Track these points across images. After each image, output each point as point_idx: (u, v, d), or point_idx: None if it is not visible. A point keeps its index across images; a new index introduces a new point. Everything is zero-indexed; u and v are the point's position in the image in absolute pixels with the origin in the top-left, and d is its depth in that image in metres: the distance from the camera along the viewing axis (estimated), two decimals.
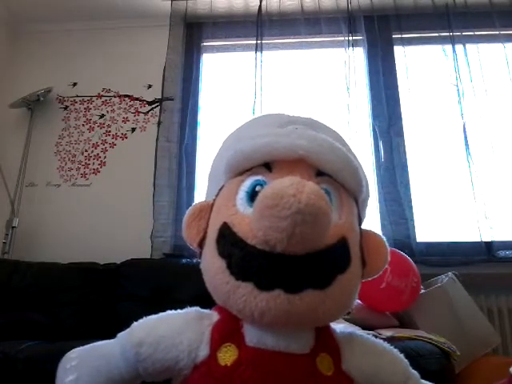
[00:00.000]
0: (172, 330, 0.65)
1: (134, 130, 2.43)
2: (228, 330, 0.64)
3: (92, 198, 2.31)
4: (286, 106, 2.33)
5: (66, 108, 2.51)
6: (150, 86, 2.48)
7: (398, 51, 2.39)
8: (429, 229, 2.11)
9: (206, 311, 0.70)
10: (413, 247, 2.00)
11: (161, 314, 0.69)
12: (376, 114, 2.27)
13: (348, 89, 2.28)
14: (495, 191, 2.08)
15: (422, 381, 0.72)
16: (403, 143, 2.23)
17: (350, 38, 2.37)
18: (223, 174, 0.71)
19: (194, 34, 2.55)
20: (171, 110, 2.37)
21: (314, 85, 2.38)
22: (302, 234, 0.55)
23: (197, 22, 2.56)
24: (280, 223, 0.55)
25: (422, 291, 1.59)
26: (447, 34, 2.34)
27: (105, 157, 2.39)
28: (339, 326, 0.74)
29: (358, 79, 2.32)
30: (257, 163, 0.67)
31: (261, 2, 2.44)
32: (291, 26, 2.46)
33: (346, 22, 2.40)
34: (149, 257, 2.07)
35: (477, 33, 2.32)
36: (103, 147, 2.41)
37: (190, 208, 0.71)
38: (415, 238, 2.04)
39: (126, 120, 2.45)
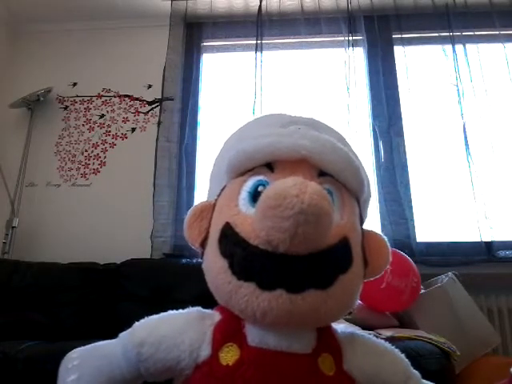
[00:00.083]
0: (173, 330, 0.65)
1: (134, 130, 2.43)
2: (230, 329, 0.64)
3: (92, 198, 2.31)
4: (286, 106, 2.33)
5: (66, 108, 2.51)
6: (150, 86, 2.48)
7: (398, 51, 2.39)
8: (429, 229, 2.11)
9: (208, 311, 0.70)
10: (413, 247, 2.00)
11: (162, 314, 0.69)
12: (376, 114, 2.27)
13: (348, 89, 2.28)
14: (495, 191, 2.08)
15: (423, 381, 0.72)
16: (403, 143, 2.23)
17: (350, 37, 2.37)
18: (225, 174, 0.71)
19: (194, 34, 2.55)
20: (171, 110, 2.37)
21: (314, 85, 2.38)
22: (305, 234, 0.56)
23: (197, 22, 2.56)
24: (283, 223, 0.55)
25: (422, 291, 1.59)
26: (447, 33, 2.34)
27: (105, 157, 2.39)
28: (340, 326, 0.74)
29: (358, 79, 2.32)
30: (259, 163, 0.67)
31: (261, 2, 2.44)
32: (291, 26, 2.46)
33: (346, 22, 2.40)
34: (149, 257, 2.07)
35: (477, 33, 2.32)
36: (103, 147, 2.41)
37: (192, 208, 0.71)
38: (415, 238, 2.04)
39: (125, 120, 2.45)
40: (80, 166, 2.38)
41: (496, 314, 1.91)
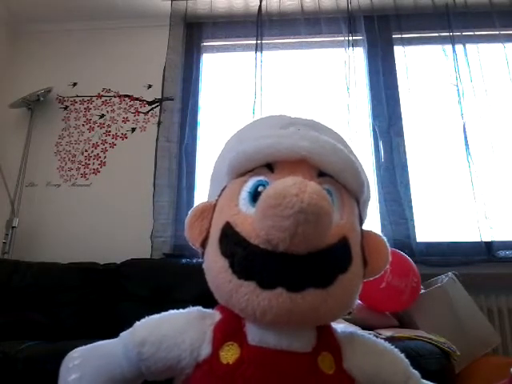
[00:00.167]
0: (174, 330, 0.66)
1: (134, 130, 2.43)
2: (230, 328, 0.65)
3: (92, 198, 2.31)
4: (286, 106, 2.33)
5: (66, 108, 2.51)
6: (150, 86, 2.48)
7: (398, 51, 2.39)
8: (429, 229, 2.11)
9: (208, 311, 0.71)
10: (413, 247, 2.00)
11: (163, 314, 0.70)
12: (376, 114, 2.27)
13: (348, 89, 2.28)
14: (495, 191, 2.08)
15: (423, 380, 0.72)
16: (403, 143, 2.23)
17: (350, 37, 2.37)
18: (225, 175, 0.71)
19: (194, 34, 2.55)
20: (171, 110, 2.37)
21: (314, 85, 2.38)
22: (305, 233, 0.56)
23: (197, 22, 2.56)
24: (283, 222, 0.56)
25: (422, 291, 1.59)
26: (447, 33, 2.34)
27: (105, 157, 2.39)
28: (340, 326, 0.74)
29: (358, 79, 2.32)
30: (259, 164, 0.68)
31: (261, 2, 2.44)
32: (291, 26, 2.46)
33: (346, 22, 2.40)
34: (149, 257, 2.07)
35: (477, 33, 2.32)
36: (103, 147, 2.41)
37: (193, 209, 0.72)
38: (415, 238, 2.04)
39: (126, 120, 2.45)
40: (80, 165, 2.39)
41: (496, 314, 1.91)
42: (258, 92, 2.31)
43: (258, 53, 2.39)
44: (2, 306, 1.70)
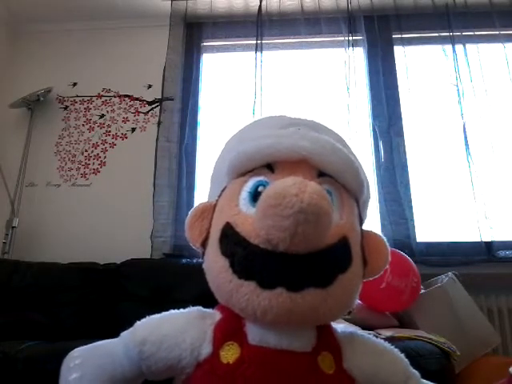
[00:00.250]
0: (175, 329, 0.66)
1: (134, 130, 2.43)
2: (230, 328, 0.65)
3: (92, 198, 2.31)
4: (286, 106, 2.33)
5: (66, 108, 2.51)
6: (150, 86, 2.48)
7: (398, 51, 2.39)
8: (429, 229, 2.11)
9: (209, 310, 0.71)
10: (413, 247, 2.00)
11: (163, 314, 0.70)
12: (376, 114, 2.27)
13: (348, 89, 2.28)
14: (495, 191, 2.08)
15: (423, 380, 0.73)
16: (403, 143, 2.23)
17: (350, 37, 2.37)
18: (226, 176, 0.72)
19: (194, 34, 2.55)
20: (171, 110, 2.37)
21: (314, 85, 2.38)
22: (305, 233, 0.56)
23: (197, 22, 2.56)
24: (283, 222, 0.56)
25: (422, 291, 1.59)
26: (447, 34, 2.34)
27: (105, 157, 2.39)
28: (339, 326, 0.74)
29: (358, 79, 2.32)
30: (259, 164, 0.68)
31: (261, 2, 2.44)
32: (291, 26, 2.46)
33: (346, 22, 2.40)
34: (149, 257, 2.07)
35: (477, 33, 2.32)
36: (103, 147, 2.41)
37: (193, 209, 0.72)
38: (415, 238, 2.04)
39: (126, 120, 2.45)
40: (80, 165, 2.38)
41: (496, 314, 1.91)
42: (258, 92, 2.31)
43: (258, 53, 2.39)
44: (2, 306, 1.70)
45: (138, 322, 0.69)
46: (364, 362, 0.68)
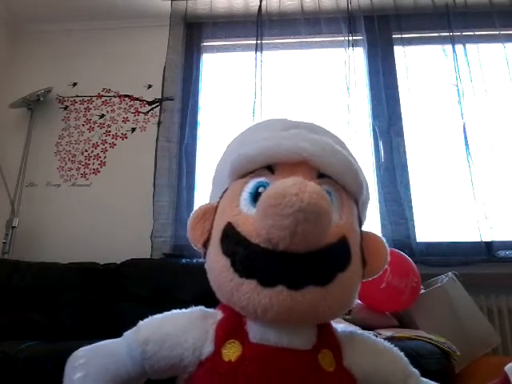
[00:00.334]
0: (177, 329, 0.67)
1: (134, 130, 2.43)
2: (232, 327, 0.66)
3: (92, 198, 2.31)
4: (286, 106, 2.33)
5: (66, 108, 2.51)
6: (150, 86, 2.48)
7: (398, 51, 2.39)
8: (429, 229, 2.11)
9: (210, 310, 0.72)
10: (413, 247, 2.00)
11: (166, 314, 0.71)
12: (376, 114, 2.27)
13: (348, 89, 2.28)
14: (495, 191, 2.08)
15: (423, 379, 0.73)
16: (403, 143, 2.23)
17: (350, 37, 2.37)
18: (227, 178, 0.73)
19: (194, 34, 2.55)
20: (171, 110, 2.37)
21: (314, 85, 2.38)
22: (304, 232, 0.57)
23: (197, 22, 2.56)
24: (283, 221, 0.57)
25: (422, 291, 1.59)
26: (447, 33, 2.34)
27: (105, 157, 2.39)
28: (339, 326, 0.74)
29: (358, 79, 2.32)
30: (260, 166, 0.69)
31: (261, 2, 2.44)
32: (291, 26, 2.46)
33: (346, 22, 2.40)
34: (149, 257, 2.07)
35: (477, 33, 2.32)
36: (103, 147, 2.41)
37: (195, 210, 0.74)
38: (415, 238, 2.04)
39: (126, 120, 2.45)
40: (80, 165, 2.39)
41: (496, 314, 1.91)
42: (258, 92, 2.30)
43: (258, 53, 2.39)
44: (2, 306, 1.70)
45: (141, 322, 0.70)
46: (364, 360, 0.68)
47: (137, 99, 2.48)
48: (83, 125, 2.47)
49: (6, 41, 2.62)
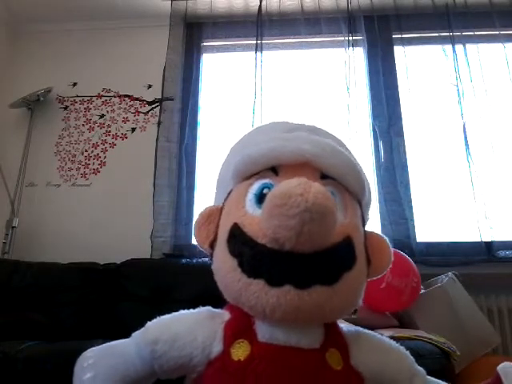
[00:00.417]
0: (186, 329, 0.67)
1: (134, 130, 2.43)
2: (240, 326, 0.66)
3: (92, 198, 2.31)
4: (286, 106, 2.33)
5: (66, 108, 2.51)
6: (150, 86, 2.48)
7: (398, 51, 2.39)
8: (429, 229, 2.11)
9: (218, 310, 0.72)
10: (413, 247, 2.00)
11: (174, 314, 0.71)
12: (376, 114, 2.27)
13: (348, 89, 2.28)
14: (495, 191, 2.08)
15: (429, 377, 0.73)
16: (403, 143, 2.23)
17: (350, 38, 2.37)
18: (231, 180, 0.73)
19: (194, 34, 2.55)
20: (171, 110, 2.37)
21: (314, 85, 2.38)
22: (310, 231, 0.57)
23: (197, 22, 2.56)
24: (289, 221, 0.57)
25: (422, 291, 1.59)
26: (447, 34, 2.34)
27: (105, 157, 2.39)
28: (342, 326, 0.74)
29: (358, 79, 2.32)
30: (264, 167, 0.70)
31: (261, 2, 2.44)
32: (291, 26, 2.46)
33: (346, 22, 2.40)
34: (149, 257, 2.07)
35: (477, 33, 2.32)
36: (103, 147, 2.41)
37: (200, 213, 0.74)
38: (415, 238, 2.04)
39: (126, 120, 2.45)
40: (80, 166, 2.39)
41: (496, 314, 1.91)
42: (258, 92, 2.31)
43: (258, 53, 2.39)
44: (2, 306, 1.70)
45: (150, 322, 0.70)
46: (370, 359, 0.69)
47: (137, 99, 2.48)
48: (83, 125, 2.47)
49: (6, 41, 2.62)
